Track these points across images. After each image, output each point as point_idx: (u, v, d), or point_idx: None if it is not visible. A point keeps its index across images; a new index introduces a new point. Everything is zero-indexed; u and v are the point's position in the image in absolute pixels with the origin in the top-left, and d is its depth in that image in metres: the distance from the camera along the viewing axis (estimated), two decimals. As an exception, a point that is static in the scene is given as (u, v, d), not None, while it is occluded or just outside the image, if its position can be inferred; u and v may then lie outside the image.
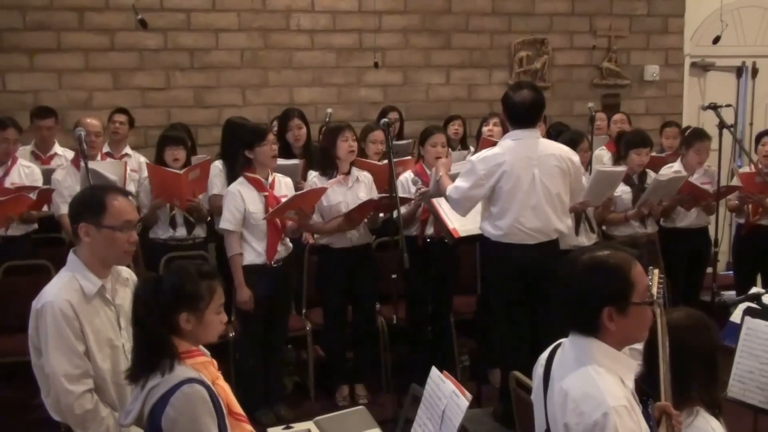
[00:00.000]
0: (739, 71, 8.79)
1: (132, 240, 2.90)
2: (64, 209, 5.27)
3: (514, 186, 4.35)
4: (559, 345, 2.41)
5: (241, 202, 4.69)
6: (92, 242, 2.85)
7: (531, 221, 4.38)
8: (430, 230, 5.21)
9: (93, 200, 2.87)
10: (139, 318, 2.51)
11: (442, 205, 4.83)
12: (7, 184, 5.18)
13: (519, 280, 4.45)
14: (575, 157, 4.62)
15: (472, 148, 6.77)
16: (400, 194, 4.86)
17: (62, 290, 2.83)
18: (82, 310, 2.82)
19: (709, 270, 6.03)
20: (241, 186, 4.75)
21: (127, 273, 3.07)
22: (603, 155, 6.69)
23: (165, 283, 2.52)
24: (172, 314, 2.49)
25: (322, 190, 4.87)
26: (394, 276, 4.75)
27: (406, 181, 5.20)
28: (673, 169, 5.93)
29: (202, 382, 2.46)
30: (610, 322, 2.23)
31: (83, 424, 2.82)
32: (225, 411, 2.54)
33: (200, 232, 5.47)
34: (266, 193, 4.75)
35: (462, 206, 4.48)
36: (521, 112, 4.43)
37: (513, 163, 4.34)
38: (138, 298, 2.53)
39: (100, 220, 2.82)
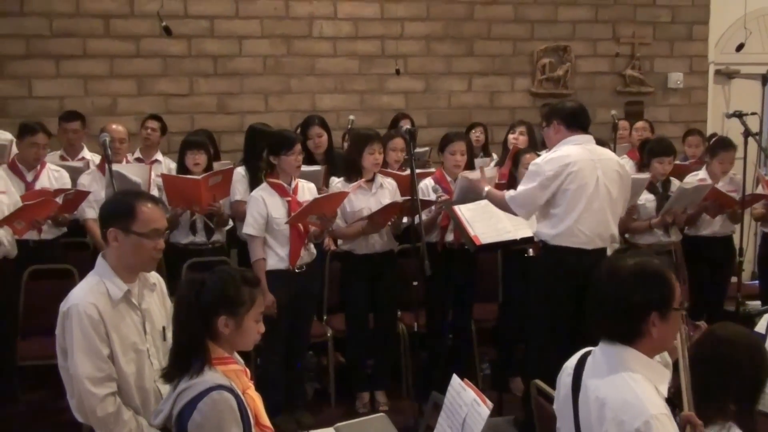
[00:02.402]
0: (764, 79, 8.69)
1: (159, 247, 2.92)
2: (90, 214, 5.34)
3: (579, 187, 4.32)
4: (587, 353, 2.39)
5: (263, 207, 4.70)
6: (120, 247, 2.88)
7: (592, 224, 4.36)
8: (450, 237, 5.20)
9: (123, 206, 2.90)
10: (179, 318, 2.54)
11: (463, 212, 4.82)
12: (37, 188, 5.23)
13: (571, 287, 4.35)
14: (628, 167, 4.62)
15: (494, 156, 6.76)
16: (422, 199, 4.85)
17: (89, 293, 2.86)
18: (107, 314, 2.85)
19: (734, 279, 5.97)
20: (263, 191, 4.77)
21: (154, 278, 3.09)
22: (625, 163, 6.63)
23: (208, 285, 2.54)
24: (211, 316, 2.51)
25: (344, 194, 4.87)
26: (415, 283, 4.74)
27: (426, 188, 5.19)
28: (698, 177, 5.88)
29: (231, 390, 2.48)
30: (653, 327, 2.23)
31: (106, 426, 2.84)
32: (252, 422, 2.54)
33: (220, 237, 5.49)
34: (289, 199, 4.76)
35: (526, 209, 4.45)
36: (577, 115, 4.47)
37: (580, 164, 4.33)
38: (180, 299, 2.56)
39: (129, 226, 2.85)
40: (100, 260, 2.95)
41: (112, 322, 2.86)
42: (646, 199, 5.60)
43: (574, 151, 4.37)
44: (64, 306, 2.87)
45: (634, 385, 2.19)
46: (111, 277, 2.90)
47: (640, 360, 2.25)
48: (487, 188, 4.65)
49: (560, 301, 4.41)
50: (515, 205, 4.47)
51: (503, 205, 4.54)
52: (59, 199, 4.99)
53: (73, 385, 2.85)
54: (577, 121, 4.46)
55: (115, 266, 2.91)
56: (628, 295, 2.25)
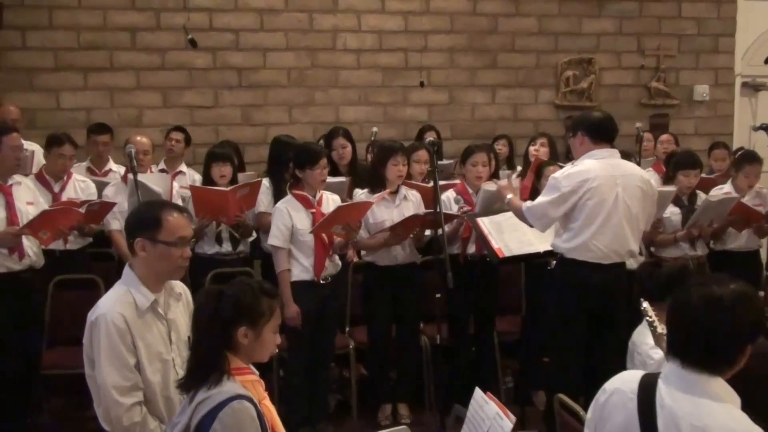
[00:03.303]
0: (791, 91, 8.63)
1: (186, 255, 2.95)
2: (114, 225, 5.39)
3: (597, 203, 4.30)
4: (651, 379, 2.34)
5: (288, 218, 4.72)
6: (148, 257, 2.90)
7: (610, 240, 4.33)
8: (471, 249, 5.18)
9: (149, 216, 2.93)
10: (198, 328, 2.55)
11: (486, 225, 4.81)
12: (63, 199, 5.29)
13: (585, 300, 4.37)
14: (653, 181, 4.59)
15: (519, 168, 6.74)
16: (445, 212, 4.85)
17: (116, 303, 2.88)
18: (134, 324, 2.87)
19: (761, 293, 5.90)
20: (288, 203, 4.78)
21: (180, 288, 3.11)
22: (650, 177, 6.58)
23: (228, 296, 2.55)
24: (231, 327, 2.52)
25: (368, 205, 4.88)
26: (438, 295, 4.73)
27: (448, 200, 5.19)
28: (724, 190, 5.83)
29: (251, 400, 2.48)
30: (743, 356, 2.22)
31: None
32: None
33: (244, 248, 5.52)
34: (313, 210, 4.77)
35: (542, 221, 4.44)
36: (603, 127, 4.44)
37: (600, 180, 4.30)
38: (200, 309, 2.57)
39: (155, 235, 2.88)
40: (127, 270, 2.97)
41: (138, 332, 2.87)
42: (672, 212, 5.56)
43: (595, 165, 4.35)
44: (91, 315, 2.89)
45: (737, 414, 2.18)
46: (138, 286, 2.92)
47: (726, 388, 2.22)
48: (509, 196, 4.66)
49: (575, 315, 4.40)
50: (531, 217, 4.47)
51: (521, 216, 4.54)
52: (83, 209, 5.04)
53: (100, 394, 2.86)
54: (602, 134, 4.43)
55: (143, 276, 2.93)
56: (731, 324, 2.20)
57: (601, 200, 4.30)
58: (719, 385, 2.22)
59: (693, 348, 2.23)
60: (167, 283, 3.03)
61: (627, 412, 2.35)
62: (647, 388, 2.33)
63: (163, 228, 2.88)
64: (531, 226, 4.52)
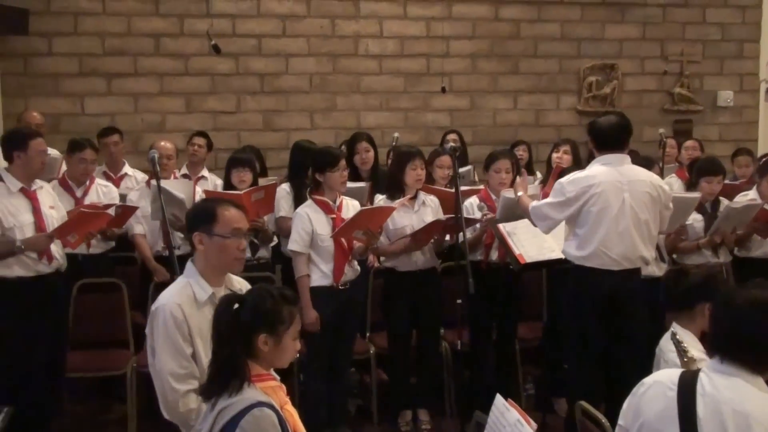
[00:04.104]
0: (817, 97, 8.53)
1: (242, 247, 3.05)
2: (137, 229, 5.44)
3: (603, 209, 4.29)
4: (692, 373, 2.42)
5: (308, 224, 4.72)
6: (206, 250, 3.02)
7: (617, 246, 4.31)
8: (494, 255, 5.17)
9: (206, 211, 3.06)
10: (218, 335, 2.56)
11: (508, 231, 4.81)
12: (86, 203, 5.33)
13: (597, 307, 4.36)
14: (666, 186, 4.57)
15: (538, 174, 6.71)
16: (466, 217, 4.84)
17: (176, 295, 2.98)
18: (192, 315, 2.96)
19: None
20: (308, 208, 4.79)
21: (238, 284, 3.18)
22: (673, 182, 6.54)
23: (248, 303, 2.56)
24: (251, 334, 2.53)
25: (390, 210, 4.87)
26: (459, 301, 4.72)
27: (471, 206, 5.17)
28: (749, 197, 5.76)
29: (272, 407, 2.48)
30: None
31: (186, 422, 2.93)
32: None
33: (264, 253, 5.52)
34: (334, 216, 4.77)
35: (544, 223, 4.47)
36: (609, 135, 4.43)
37: (604, 186, 4.30)
38: (219, 316, 2.58)
39: (211, 228, 3.00)
40: (188, 264, 3.09)
41: (195, 323, 2.96)
42: (695, 218, 5.50)
43: (601, 172, 4.34)
44: (153, 306, 3.01)
45: None
46: (198, 279, 3.03)
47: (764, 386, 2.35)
48: (520, 193, 4.71)
49: (589, 321, 4.39)
50: (534, 217, 4.50)
51: (527, 214, 4.58)
52: (111, 211, 5.09)
53: (158, 381, 2.96)
54: (608, 141, 4.43)
55: (202, 269, 3.04)
56: None
57: (606, 206, 4.29)
58: (759, 381, 2.33)
59: (735, 347, 2.34)
60: (227, 279, 3.12)
61: (666, 400, 2.41)
62: (688, 380, 2.42)
63: (218, 221, 3.00)
64: (535, 225, 4.55)
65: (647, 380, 2.49)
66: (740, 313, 2.34)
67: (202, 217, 3.04)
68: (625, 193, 4.32)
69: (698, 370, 2.41)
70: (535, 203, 4.52)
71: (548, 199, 4.46)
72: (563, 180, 4.47)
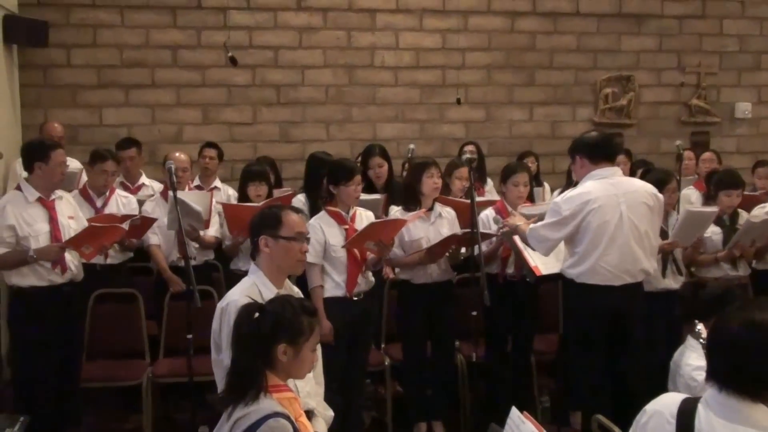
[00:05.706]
0: (836, 109, 8.47)
1: (304, 250, 3.23)
2: (153, 240, 5.45)
3: (601, 224, 4.26)
4: (690, 404, 2.29)
5: (321, 235, 4.72)
6: (271, 252, 3.17)
7: (618, 260, 4.28)
8: (511, 268, 5.15)
9: (271, 215, 3.23)
10: (238, 345, 2.57)
11: (523, 243, 4.79)
12: (105, 213, 5.36)
13: (601, 323, 4.34)
14: (660, 195, 4.52)
15: (546, 185, 6.72)
16: (482, 231, 4.82)
17: (244, 292, 3.08)
18: None
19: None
20: (321, 219, 4.79)
21: (296, 291, 3.32)
22: (691, 195, 6.51)
23: (268, 313, 2.57)
24: (271, 344, 2.54)
25: (402, 222, 4.86)
26: (474, 313, 4.70)
27: (486, 218, 5.16)
28: (766, 209, 5.72)
29: (288, 418, 2.48)
30: None
31: None
32: None
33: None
34: (347, 227, 4.77)
35: (543, 245, 4.43)
36: (601, 146, 4.41)
37: (600, 201, 4.26)
38: (239, 325, 2.60)
39: (277, 232, 3.16)
40: (253, 266, 3.22)
41: None
42: (713, 231, 5.46)
43: (596, 187, 4.30)
44: (222, 303, 3.11)
45: None
46: (263, 280, 3.16)
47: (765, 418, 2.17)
48: (519, 224, 4.64)
49: (592, 338, 4.36)
50: (533, 240, 4.45)
51: (525, 240, 4.52)
52: (125, 225, 5.12)
53: (221, 375, 2.95)
54: (601, 153, 4.39)
55: (267, 271, 3.18)
56: None
57: (604, 221, 4.25)
58: (761, 411, 2.16)
59: (733, 374, 2.17)
60: (287, 284, 3.26)
61: None
62: (686, 413, 2.28)
63: (283, 225, 3.16)
64: (535, 250, 4.51)
65: (648, 408, 2.38)
66: (736, 338, 2.15)
67: (267, 221, 3.19)
68: (622, 206, 4.28)
69: (698, 400, 2.28)
70: (532, 226, 4.47)
71: (545, 221, 4.40)
72: (558, 199, 4.46)
